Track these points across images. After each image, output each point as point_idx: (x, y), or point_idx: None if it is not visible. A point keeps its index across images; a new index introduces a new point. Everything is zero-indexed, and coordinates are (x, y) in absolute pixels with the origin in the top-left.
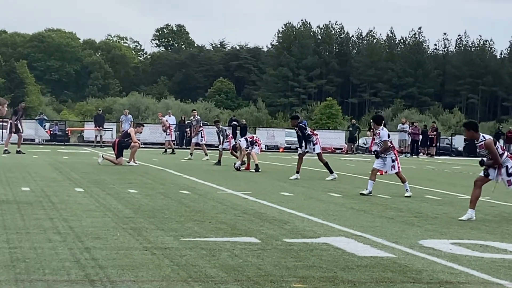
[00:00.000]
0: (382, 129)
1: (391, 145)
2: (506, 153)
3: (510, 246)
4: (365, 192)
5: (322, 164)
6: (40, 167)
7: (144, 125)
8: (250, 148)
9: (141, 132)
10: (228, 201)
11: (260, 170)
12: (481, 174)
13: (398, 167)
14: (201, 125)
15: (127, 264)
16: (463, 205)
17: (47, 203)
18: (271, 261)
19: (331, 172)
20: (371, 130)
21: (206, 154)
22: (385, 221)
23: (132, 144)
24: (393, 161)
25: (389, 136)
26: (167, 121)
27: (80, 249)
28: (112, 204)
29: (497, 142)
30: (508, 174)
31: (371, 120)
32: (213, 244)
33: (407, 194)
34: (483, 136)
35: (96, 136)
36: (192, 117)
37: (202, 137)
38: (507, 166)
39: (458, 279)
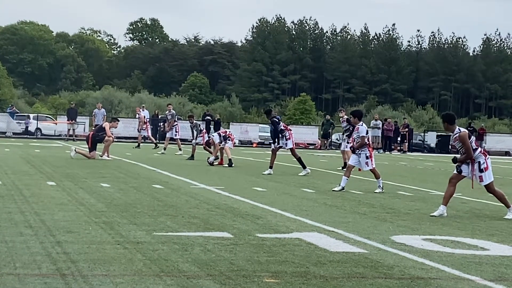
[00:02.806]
0: (362, 125)
1: (367, 142)
2: (479, 149)
3: (480, 242)
4: (337, 188)
5: (295, 159)
6: (11, 160)
7: (119, 119)
8: (223, 143)
9: (116, 127)
10: (201, 196)
11: (233, 165)
12: (455, 171)
13: (373, 164)
14: (176, 119)
15: (99, 258)
16: (435, 201)
17: (18, 196)
18: (243, 256)
19: (304, 167)
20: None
21: (180, 149)
22: (358, 216)
23: (106, 138)
24: (367, 157)
25: (367, 133)
26: (144, 116)
27: (52, 243)
28: (85, 198)
29: (471, 136)
30: (480, 170)
31: (351, 115)
32: (186, 238)
33: (377, 190)
34: (458, 128)
35: (68, 129)
36: (167, 112)
37: (176, 131)
38: (479, 162)
39: (429, 275)
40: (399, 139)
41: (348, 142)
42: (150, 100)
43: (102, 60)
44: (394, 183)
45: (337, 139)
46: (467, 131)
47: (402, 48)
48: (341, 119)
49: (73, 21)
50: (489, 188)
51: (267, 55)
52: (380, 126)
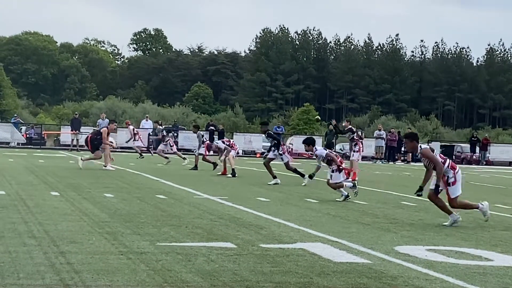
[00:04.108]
0: (316, 149)
1: (335, 156)
2: (448, 162)
3: (484, 252)
4: (340, 199)
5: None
6: (15, 170)
7: (117, 122)
8: (226, 151)
9: (114, 129)
10: (204, 206)
11: (236, 175)
12: (432, 191)
13: (337, 179)
14: (165, 134)
15: (102, 269)
16: (438, 211)
17: (22, 206)
18: (247, 266)
19: (303, 176)
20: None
21: (184, 158)
22: (361, 227)
23: (103, 145)
24: (333, 172)
25: (326, 154)
26: (133, 129)
27: (55, 253)
28: (88, 208)
29: (435, 150)
30: (447, 184)
31: (303, 144)
32: (189, 249)
33: (339, 199)
34: (420, 146)
35: (72, 140)
36: (157, 128)
37: (171, 146)
38: (448, 176)
39: (433, 286)
40: (402, 149)
41: (355, 151)
42: (153, 111)
43: (106, 70)
44: (398, 193)
45: (340, 149)
46: (428, 147)
47: (405, 59)
48: (345, 129)
49: (77, 32)
50: (452, 202)
51: (270, 65)
52: (384, 136)
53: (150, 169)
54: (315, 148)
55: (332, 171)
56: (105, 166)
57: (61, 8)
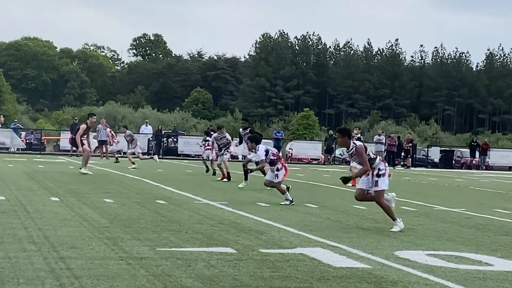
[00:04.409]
0: (258, 149)
1: (277, 156)
2: (378, 158)
3: (484, 257)
4: (286, 202)
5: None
6: (15, 176)
7: (95, 114)
8: (220, 158)
9: (93, 122)
10: (204, 211)
11: (231, 179)
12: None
13: (282, 177)
14: (134, 138)
15: (102, 274)
16: (439, 216)
17: (22, 212)
18: (247, 271)
19: (246, 179)
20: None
21: (134, 163)
22: (361, 232)
23: (81, 149)
24: (278, 170)
25: (267, 154)
26: (110, 131)
27: (55, 259)
28: (88, 213)
29: (367, 149)
30: (378, 175)
31: (248, 141)
32: (189, 254)
33: (284, 202)
34: (353, 142)
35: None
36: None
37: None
38: (379, 168)
39: None
40: (402, 154)
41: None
42: (153, 116)
43: (106, 75)
44: (398, 198)
45: (340, 154)
46: (362, 144)
47: (405, 63)
48: (355, 136)
49: (77, 37)
50: (378, 196)
51: (270, 70)
52: (384, 141)
53: (150, 175)
54: (258, 147)
55: (277, 170)
56: (81, 169)
57: (60, 13)
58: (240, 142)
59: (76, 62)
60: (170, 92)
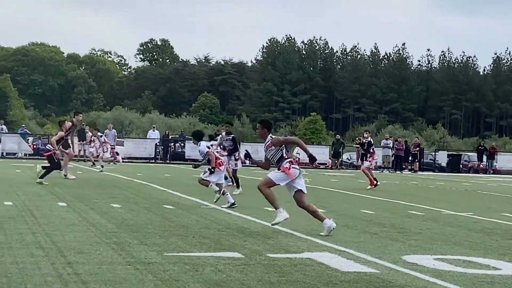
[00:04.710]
0: (199, 145)
1: (214, 157)
2: (289, 159)
3: (492, 261)
4: (226, 205)
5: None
6: (23, 181)
7: (82, 114)
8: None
9: (80, 120)
10: (211, 216)
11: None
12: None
13: (211, 177)
14: (105, 140)
15: (110, 279)
16: (446, 220)
17: (29, 217)
18: (254, 276)
19: (238, 186)
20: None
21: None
22: (369, 236)
23: (68, 152)
24: (210, 171)
25: (208, 148)
26: (91, 136)
27: (63, 264)
28: (95, 218)
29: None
30: (279, 169)
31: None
32: (197, 259)
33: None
34: (271, 136)
35: (79, 150)
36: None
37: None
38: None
39: None
40: (410, 158)
41: (368, 161)
42: (160, 121)
43: (113, 80)
44: (405, 202)
45: (347, 158)
46: (279, 138)
47: (412, 68)
48: (365, 140)
49: (84, 42)
50: (263, 182)
51: (277, 75)
52: (391, 145)
53: (158, 179)
54: (199, 143)
55: (209, 170)
56: (65, 176)
57: (68, 19)
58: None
59: (83, 67)
60: (177, 97)
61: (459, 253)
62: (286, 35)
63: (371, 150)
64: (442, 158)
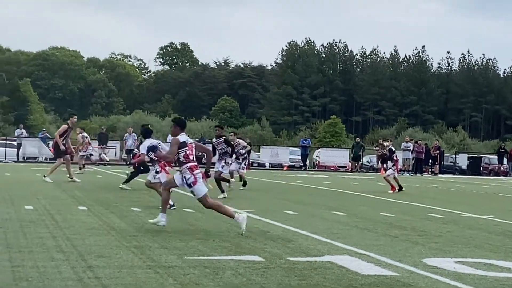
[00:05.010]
0: (141, 142)
1: (157, 158)
2: (190, 164)
3: None
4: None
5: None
6: (43, 185)
7: (76, 115)
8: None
9: (74, 122)
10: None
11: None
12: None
13: (159, 178)
14: (89, 141)
15: (130, 283)
16: (467, 223)
17: (50, 221)
18: (274, 279)
19: (222, 191)
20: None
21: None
22: (389, 239)
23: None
24: (156, 172)
25: (148, 150)
26: (86, 137)
27: (83, 268)
28: (116, 222)
29: (177, 145)
30: (188, 185)
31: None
32: (217, 262)
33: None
34: (175, 137)
35: (99, 154)
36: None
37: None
38: (185, 177)
39: None
40: (430, 161)
41: (391, 168)
42: None
43: (133, 84)
44: (426, 205)
45: (367, 161)
46: (178, 138)
47: (432, 70)
48: (387, 147)
49: (104, 46)
50: (205, 201)
51: (297, 78)
52: (411, 148)
53: None
54: (145, 140)
55: (156, 172)
56: (45, 176)
57: (88, 23)
58: (214, 154)
59: (103, 72)
60: (196, 101)
61: (479, 256)
62: (306, 38)
63: (395, 158)
64: (462, 160)
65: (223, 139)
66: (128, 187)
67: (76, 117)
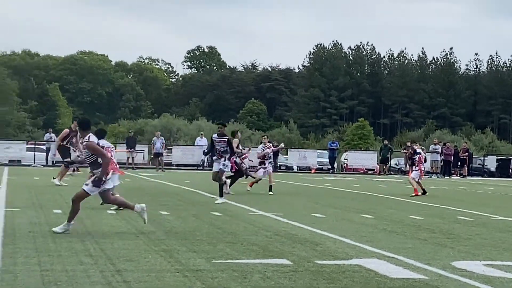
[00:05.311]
0: (89, 138)
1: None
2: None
3: None
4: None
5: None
6: (72, 189)
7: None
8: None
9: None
10: (260, 223)
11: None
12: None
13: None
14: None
15: (158, 287)
16: (496, 226)
17: (78, 225)
18: (303, 283)
19: (221, 195)
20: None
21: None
22: (417, 242)
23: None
24: (224, 165)
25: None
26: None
27: (112, 272)
28: (144, 226)
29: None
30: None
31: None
32: (245, 266)
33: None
34: (88, 137)
35: (128, 158)
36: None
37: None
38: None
39: None
40: (458, 163)
41: (415, 170)
42: (208, 128)
43: (161, 88)
44: (454, 208)
45: (396, 164)
46: (93, 141)
47: (460, 72)
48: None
49: (132, 50)
50: (106, 198)
51: (324, 80)
52: (440, 150)
53: (205, 186)
54: (89, 136)
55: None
56: (54, 178)
57: (115, 27)
58: (211, 150)
59: (131, 75)
60: (224, 104)
61: (509, 259)
62: (333, 41)
63: (417, 159)
64: (491, 162)
65: (226, 140)
66: (231, 191)
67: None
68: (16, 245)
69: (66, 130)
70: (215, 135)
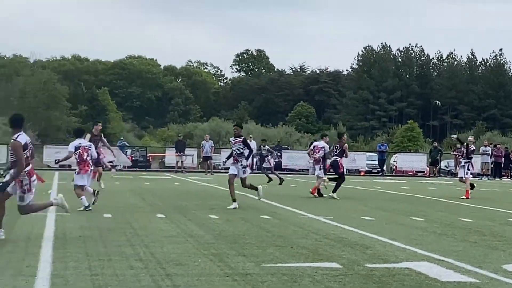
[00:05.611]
0: (17, 137)
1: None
2: (28, 168)
3: None
4: (81, 208)
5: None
6: (122, 193)
7: (101, 122)
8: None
9: (99, 130)
10: (309, 226)
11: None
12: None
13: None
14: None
15: None
16: None
17: (128, 229)
18: (352, 286)
19: (256, 189)
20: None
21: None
22: (468, 245)
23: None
24: (243, 167)
25: (76, 149)
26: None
27: (162, 276)
28: (193, 230)
29: (21, 148)
30: (23, 191)
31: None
32: (295, 269)
33: (80, 208)
34: (17, 135)
35: (177, 161)
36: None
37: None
38: (22, 181)
39: None
40: (509, 165)
41: (468, 169)
42: (257, 131)
43: (209, 91)
44: (505, 210)
45: (445, 166)
46: (20, 142)
47: (510, 73)
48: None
49: (180, 54)
50: (24, 209)
51: (373, 82)
52: (490, 152)
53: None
54: (76, 139)
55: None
56: (99, 182)
57: (164, 31)
58: (230, 154)
59: (180, 79)
60: (273, 107)
61: None
62: (382, 43)
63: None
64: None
65: (241, 139)
66: (336, 196)
67: (100, 124)
68: (66, 250)
69: (88, 135)
70: (232, 138)
